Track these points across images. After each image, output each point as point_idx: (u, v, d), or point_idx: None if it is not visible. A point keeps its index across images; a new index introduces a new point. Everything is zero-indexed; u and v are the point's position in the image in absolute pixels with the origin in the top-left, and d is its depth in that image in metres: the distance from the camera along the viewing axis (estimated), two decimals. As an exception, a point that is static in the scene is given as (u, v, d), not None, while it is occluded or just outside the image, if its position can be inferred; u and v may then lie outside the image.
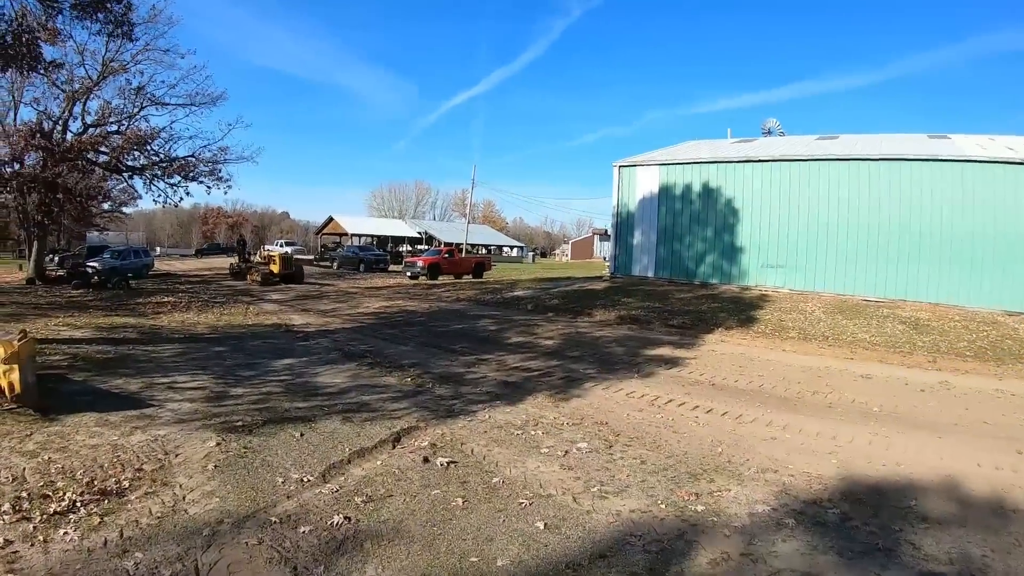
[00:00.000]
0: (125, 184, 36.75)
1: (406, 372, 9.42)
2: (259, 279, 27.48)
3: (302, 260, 38.24)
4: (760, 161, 23.86)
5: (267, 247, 58.49)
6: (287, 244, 58.95)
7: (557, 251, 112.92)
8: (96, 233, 73.34)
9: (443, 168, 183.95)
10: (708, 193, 24.64)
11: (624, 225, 26.55)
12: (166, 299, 19.37)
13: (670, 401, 8.42)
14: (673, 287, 23.23)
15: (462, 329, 14.48)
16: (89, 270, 26.47)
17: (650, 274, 25.64)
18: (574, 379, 9.60)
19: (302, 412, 6.93)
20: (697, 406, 8.20)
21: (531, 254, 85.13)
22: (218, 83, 72.72)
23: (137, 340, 11.77)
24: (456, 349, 11.79)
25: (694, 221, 24.93)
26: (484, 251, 69.17)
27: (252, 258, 33.90)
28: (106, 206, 68.67)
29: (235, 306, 18.28)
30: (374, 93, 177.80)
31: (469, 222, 62.71)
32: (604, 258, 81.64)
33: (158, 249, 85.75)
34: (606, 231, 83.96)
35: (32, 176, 24.58)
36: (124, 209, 71.97)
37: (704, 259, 24.67)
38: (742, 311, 17.70)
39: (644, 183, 26.09)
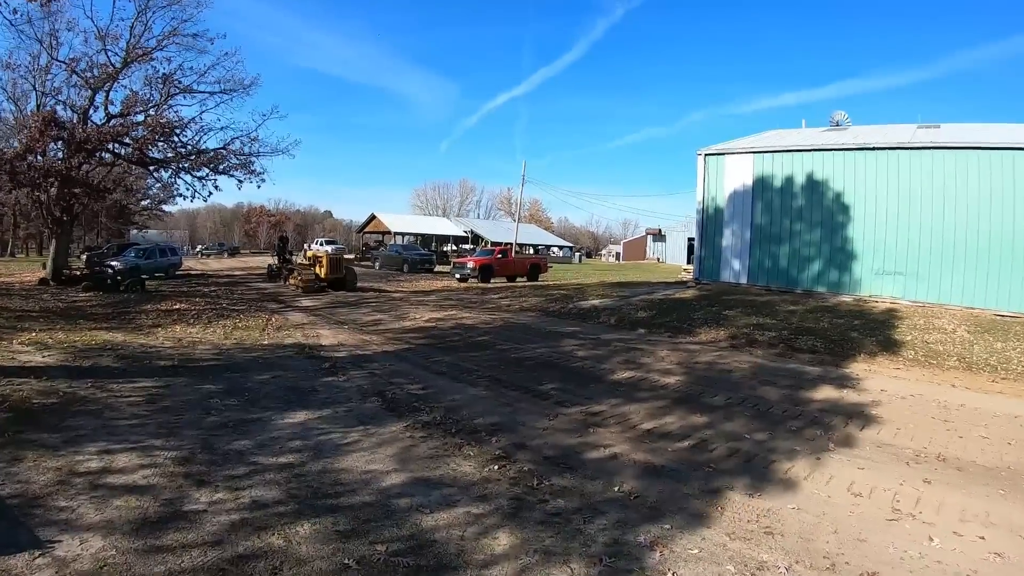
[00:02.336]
0: (160, 181, 34.72)
1: (486, 445, 5.91)
2: (301, 284, 22.97)
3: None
4: (875, 149, 19.96)
5: (308, 246, 55.86)
6: (327, 242, 56.07)
7: (603, 251, 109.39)
8: (136, 231, 72.34)
9: (486, 168, 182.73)
10: (813, 187, 20.77)
11: (711, 223, 22.76)
12: (177, 305, 16.34)
13: (919, 502, 5.00)
14: (775, 297, 19.42)
15: (544, 356, 10.90)
16: (107, 270, 23.73)
17: (743, 280, 21.84)
18: (749, 455, 6.04)
19: (308, 572, 3.45)
20: (964, 510, 4.89)
21: (577, 254, 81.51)
22: (265, 86, 70.84)
23: (108, 370, 8.54)
24: (547, 392, 8.25)
25: (796, 219, 21.06)
26: (532, 251, 65.62)
27: (294, 258, 29.78)
28: (145, 203, 67.97)
29: (255, 316, 15.07)
30: (417, 94, 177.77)
31: (518, 222, 59.16)
32: (658, 259, 77.76)
33: (199, 247, 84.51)
34: (660, 231, 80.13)
35: (46, 168, 21.92)
36: (164, 207, 71.26)
37: (808, 264, 20.81)
38: (874, 330, 14.01)
39: (735, 174, 22.31)
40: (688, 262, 73.57)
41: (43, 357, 9.27)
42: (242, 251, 77.28)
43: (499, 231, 73.17)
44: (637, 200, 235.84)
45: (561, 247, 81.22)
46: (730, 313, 16.21)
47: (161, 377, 8.22)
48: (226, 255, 66.10)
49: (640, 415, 7.37)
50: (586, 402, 7.83)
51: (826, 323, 15.03)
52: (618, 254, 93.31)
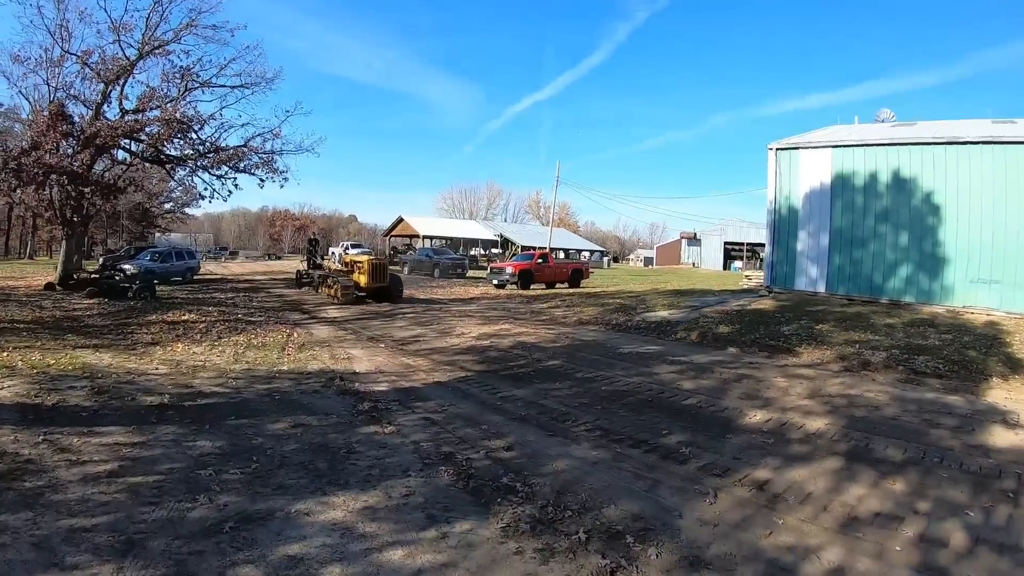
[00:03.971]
0: (176, 180, 33.04)
1: (646, 565, 3.59)
2: (339, 295, 20.02)
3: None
4: (966, 143, 17.51)
5: (334, 251, 53.79)
6: (353, 246, 54.05)
7: (631, 256, 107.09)
8: (159, 234, 71.29)
9: (510, 172, 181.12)
10: (900, 185, 18.29)
11: (784, 225, 20.30)
12: (185, 316, 14.22)
13: None
14: (862, 308, 16.96)
15: (642, 388, 8.44)
16: (116, 275, 21.76)
17: (820, 289, 19.37)
18: (1000, 547, 4.10)
19: None
20: None
21: (606, 259, 79.03)
22: (288, 90, 69.64)
23: (75, 413, 6.34)
24: (677, 449, 5.86)
25: (880, 221, 18.55)
26: (563, 255, 63.21)
27: (326, 263, 26.34)
28: (168, 206, 66.83)
29: (273, 330, 12.87)
30: (441, 98, 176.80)
31: (552, 225, 56.84)
32: (693, 264, 75.13)
33: (222, 250, 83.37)
34: (695, 234, 77.40)
35: (51, 166, 20.05)
36: (187, 210, 70.08)
37: (895, 271, 18.28)
38: (989, 348, 11.75)
39: (811, 171, 19.87)
40: (725, 267, 71.12)
41: (0, 389, 7.12)
42: (240, 254, 75.84)
43: (528, 235, 70.92)
44: (674, 203, 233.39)
45: (592, 251, 78.67)
46: (823, 328, 13.91)
47: (142, 425, 5.97)
48: (223, 259, 64.63)
49: (819, 484, 5.13)
50: (736, 464, 5.51)
51: (935, 339, 12.67)
52: (647, 259, 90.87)
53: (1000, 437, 6.67)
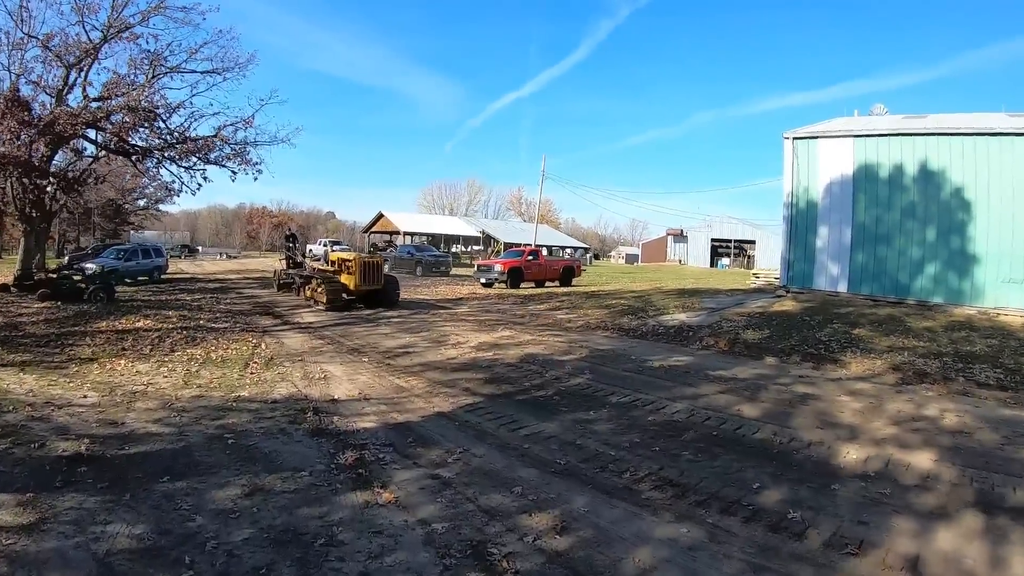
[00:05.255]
0: (141, 172, 31.01)
1: None
2: (325, 300, 16.90)
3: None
4: (998, 135, 16.45)
5: (312, 248, 51.87)
6: (332, 243, 51.99)
7: (612, 253, 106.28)
8: (133, 231, 68.83)
9: (491, 170, 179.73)
10: (927, 177, 17.09)
11: (802, 220, 18.93)
12: (139, 323, 12.48)
13: None
14: (892, 310, 15.73)
15: (696, 418, 6.70)
16: (74, 275, 19.83)
17: (842, 288, 18.04)
18: None
19: None
20: None
21: (588, 256, 77.71)
22: (267, 86, 67.05)
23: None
24: (778, 511, 4.28)
25: (907, 216, 17.30)
26: (547, 252, 61.74)
27: (307, 262, 23.74)
28: (141, 203, 64.43)
29: (238, 339, 11.13)
30: (422, 95, 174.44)
31: (536, 221, 55.29)
32: (679, 261, 73.95)
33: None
34: (681, 231, 76.22)
35: (4, 156, 18.13)
36: (162, 206, 67.66)
37: (922, 270, 17.06)
38: None
39: (831, 162, 18.59)
40: (712, 264, 69.96)
41: None
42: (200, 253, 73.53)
43: (511, 231, 69.39)
44: (659, 198, 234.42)
45: (575, 248, 77.24)
46: (860, 333, 12.70)
47: (41, 492, 4.24)
48: (183, 257, 62.11)
49: (973, 554, 3.91)
50: (866, 532, 4.14)
51: (981, 345, 11.60)
52: (629, 256, 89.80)
53: None
